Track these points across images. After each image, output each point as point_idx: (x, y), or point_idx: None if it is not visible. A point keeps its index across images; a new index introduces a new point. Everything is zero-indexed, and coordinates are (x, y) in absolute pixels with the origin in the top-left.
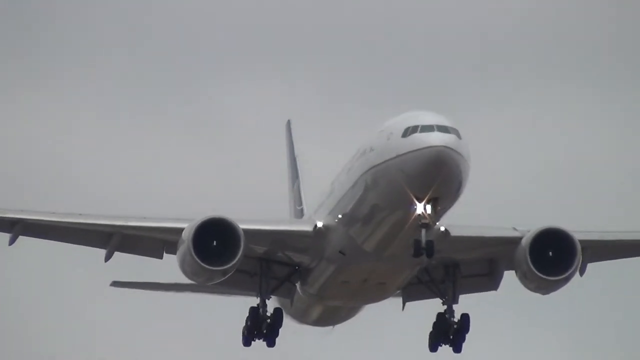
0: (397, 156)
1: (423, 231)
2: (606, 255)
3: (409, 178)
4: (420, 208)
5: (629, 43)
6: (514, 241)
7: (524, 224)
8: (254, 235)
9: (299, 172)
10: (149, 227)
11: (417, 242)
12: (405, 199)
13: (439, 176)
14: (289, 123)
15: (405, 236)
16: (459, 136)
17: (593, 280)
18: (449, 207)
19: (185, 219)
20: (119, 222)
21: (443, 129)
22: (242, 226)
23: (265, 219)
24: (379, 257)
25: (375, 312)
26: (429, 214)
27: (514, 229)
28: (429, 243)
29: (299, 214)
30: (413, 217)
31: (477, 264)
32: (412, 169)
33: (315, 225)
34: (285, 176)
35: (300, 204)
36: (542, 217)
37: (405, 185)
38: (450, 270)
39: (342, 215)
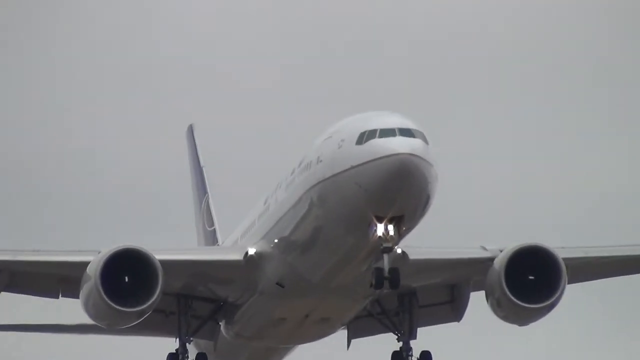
0: (352, 167)
1: (385, 257)
2: (589, 275)
3: (367, 194)
4: (380, 229)
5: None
6: (484, 263)
7: (492, 242)
8: (173, 267)
9: (207, 186)
10: (45, 262)
11: (379, 270)
12: (362, 219)
13: (405, 190)
14: (191, 128)
15: (361, 263)
16: (425, 141)
17: (571, 304)
18: (414, 227)
19: (88, 251)
20: (5, 256)
21: (406, 132)
22: (159, 257)
23: (183, 248)
24: (326, 288)
25: (313, 352)
26: (391, 236)
27: (483, 248)
28: (394, 271)
29: (211, 236)
30: (372, 240)
31: (437, 291)
32: (371, 182)
33: (246, 253)
34: (190, 191)
35: (212, 224)
36: (510, 235)
37: (362, 203)
38: (405, 300)
39: (281, 240)
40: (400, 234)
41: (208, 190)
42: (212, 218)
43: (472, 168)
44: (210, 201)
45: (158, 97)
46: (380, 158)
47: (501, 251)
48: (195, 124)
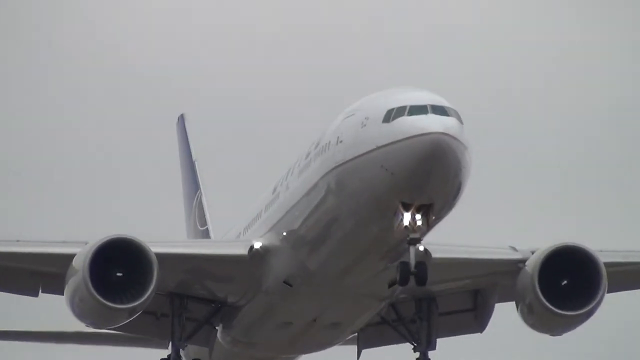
0: (377, 148)
1: (412, 250)
2: (629, 283)
3: (394, 177)
4: (407, 218)
5: None
6: (514, 265)
7: (522, 243)
8: (167, 262)
9: (200, 181)
10: (26, 255)
11: (404, 265)
12: (387, 207)
13: (437, 174)
14: (182, 117)
15: (381, 259)
16: (460, 120)
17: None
18: (443, 217)
19: (73, 242)
20: None
21: (440, 110)
22: (155, 250)
23: (179, 240)
24: (340, 288)
25: None
26: (419, 226)
27: (513, 249)
28: (421, 266)
29: (203, 237)
30: (397, 231)
31: (459, 297)
32: (399, 164)
33: (252, 247)
34: (180, 188)
35: (205, 223)
36: (539, 236)
37: (388, 188)
38: (424, 306)
39: (291, 232)
40: (428, 225)
41: (201, 186)
42: (204, 217)
43: (499, 159)
44: (203, 199)
45: (149, 87)
46: (411, 137)
47: (533, 253)
48: (186, 114)
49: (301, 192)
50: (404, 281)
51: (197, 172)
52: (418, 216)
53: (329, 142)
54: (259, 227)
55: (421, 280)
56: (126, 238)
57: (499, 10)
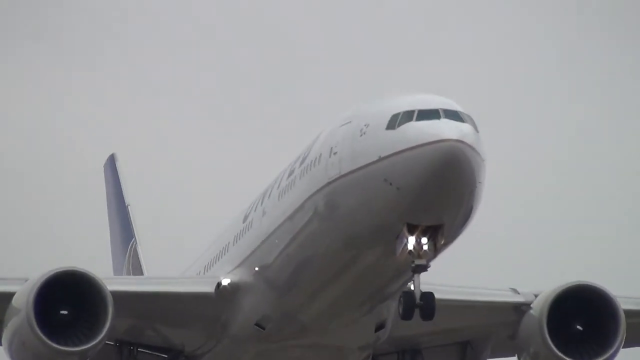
0: (380, 159)
1: (417, 278)
2: None
3: (400, 193)
4: (412, 242)
5: None
6: (516, 309)
7: (523, 284)
8: (120, 301)
9: (134, 228)
10: None
11: (408, 296)
12: (389, 229)
13: (451, 189)
14: (112, 158)
15: (375, 293)
16: (475, 127)
17: None
18: (450, 243)
19: (10, 279)
20: None
21: (453, 114)
22: (111, 287)
23: (131, 277)
24: (320, 332)
25: None
26: (425, 251)
27: (514, 290)
28: (427, 297)
29: None
30: (399, 257)
31: (447, 350)
32: (406, 178)
33: (219, 284)
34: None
35: (141, 273)
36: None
37: (392, 206)
38: (407, 359)
39: (267, 265)
40: (436, 249)
41: (135, 234)
42: (140, 268)
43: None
44: (139, 248)
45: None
46: (421, 146)
47: (536, 296)
48: (117, 154)
49: (282, 216)
50: (407, 314)
51: (131, 217)
52: (424, 240)
53: (320, 155)
54: (227, 261)
55: (428, 313)
56: (76, 271)
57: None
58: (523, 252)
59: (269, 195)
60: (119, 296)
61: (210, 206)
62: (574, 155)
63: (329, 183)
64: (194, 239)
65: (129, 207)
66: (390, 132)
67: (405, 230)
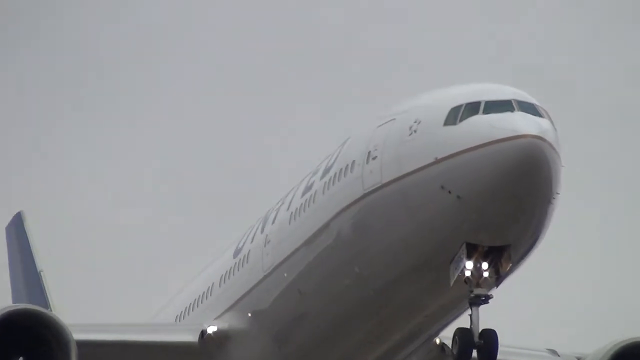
0: (437, 162)
1: (476, 312)
2: None
3: (461, 205)
4: (470, 266)
5: None
6: None
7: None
8: (90, 351)
9: (49, 299)
10: None
11: (465, 334)
12: (443, 251)
13: (526, 198)
14: (19, 217)
15: (416, 332)
16: (554, 125)
17: None
18: (515, 269)
19: None
20: None
21: (529, 107)
22: (77, 336)
23: (98, 324)
24: None
25: None
26: (485, 279)
27: (552, 352)
28: (489, 335)
29: None
30: (455, 287)
31: None
32: (470, 184)
33: (203, 332)
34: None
35: None
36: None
37: (451, 220)
38: None
39: (267, 308)
40: (498, 277)
41: (50, 304)
42: None
43: None
44: None
45: None
46: (491, 143)
47: (579, 359)
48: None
49: (296, 243)
50: (463, 356)
51: (45, 285)
52: (485, 264)
53: (352, 162)
54: (212, 305)
55: (489, 355)
56: (34, 310)
57: None
58: (553, 310)
59: (274, 219)
60: (84, 345)
61: (138, 271)
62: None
63: (366, 195)
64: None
65: (41, 273)
66: (450, 128)
67: (463, 252)
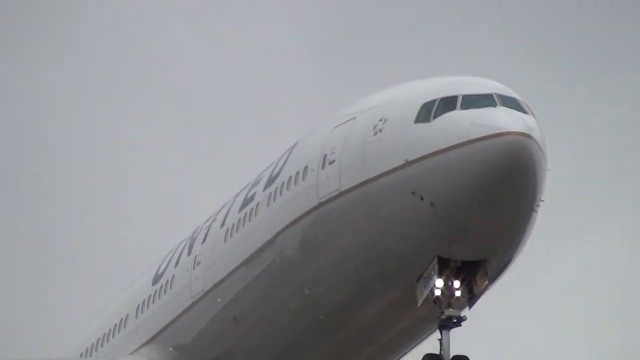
0: (407, 164)
1: (446, 336)
2: None
3: (435, 212)
4: (440, 285)
5: None
6: None
7: None
8: None
9: None
10: None
11: None
12: (410, 267)
13: (509, 204)
14: None
15: None
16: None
17: None
18: (490, 286)
19: None
20: None
21: (512, 102)
22: None
23: None
24: None
25: None
26: (458, 298)
27: None
28: None
29: None
30: (423, 307)
31: None
32: (446, 189)
33: None
34: None
35: None
36: None
37: (422, 231)
38: None
39: (195, 339)
40: (472, 296)
41: None
42: None
43: None
44: None
45: None
46: (471, 142)
47: None
48: None
49: (233, 262)
50: None
51: None
52: (457, 282)
53: (304, 167)
54: (127, 338)
55: None
56: None
57: None
58: (532, 334)
59: (204, 239)
60: None
61: None
62: None
63: (322, 204)
64: None
65: None
66: (422, 126)
67: (433, 267)
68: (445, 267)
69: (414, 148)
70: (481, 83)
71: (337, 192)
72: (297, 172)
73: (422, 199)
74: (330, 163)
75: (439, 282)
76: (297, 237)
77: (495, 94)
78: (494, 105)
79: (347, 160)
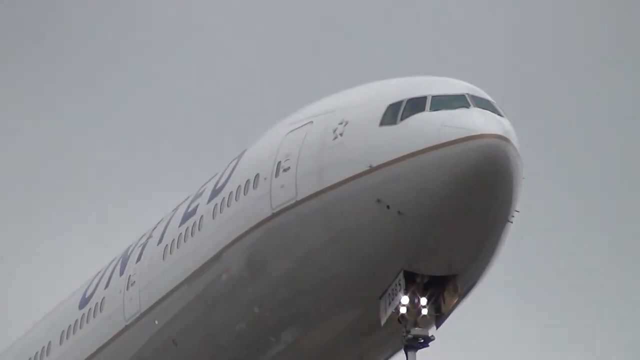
0: (372, 170)
1: (412, 357)
2: None
3: (402, 222)
4: (405, 302)
5: None
6: None
7: None
8: None
9: None
10: None
11: None
12: (374, 282)
13: (483, 214)
14: None
15: None
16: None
17: None
18: (458, 304)
19: None
20: None
21: (485, 104)
22: None
23: None
24: None
25: None
26: (424, 317)
27: None
28: None
29: None
30: (387, 327)
31: None
32: (416, 196)
33: None
34: None
35: None
36: None
37: (388, 243)
38: None
39: None
40: (440, 314)
41: None
42: None
43: None
44: None
45: None
46: (443, 145)
47: None
48: None
49: (173, 281)
50: None
51: None
52: (424, 299)
53: (255, 176)
54: None
55: None
56: None
57: None
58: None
59: (139, 257)
60: None
61: None
62: None
63: (275, 215)
64: None
65: None
66: (388, 128)
67: (399, 283)
68: (412, 283)
69: (380, 152)
70: (451, 83)
71: (293, 201)
72: (247, 181)
73: (388, 207)
74: (285, 170)
75: (405, 299)
76: (247, 251)
77: (467, 94)
78: (467, 106)
79: (304, 167)
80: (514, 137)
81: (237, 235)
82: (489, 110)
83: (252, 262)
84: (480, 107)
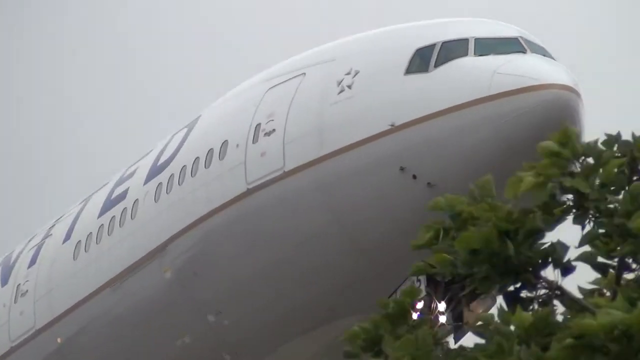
0: (393, 130)
1: None
2: None
3: (433, 195)
4: (421, 305)
5: None
6: None
7: None
8: None
9: None
10: None
11: None
12: (388, 272)
13: None
14: None
15: None
16: None
17: None
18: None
19: None
20: None
21: (541, 50)
22: None
23: None
24: None
25: None
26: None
27: None
28: None
29: None
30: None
31: None
32: (459, 163)
33: None
34: None
35: None
36: None
37: (407, 224)
38: None
39: None
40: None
41: None
42: None
43: None
44: None
45: None
46: (497, 97)
47: None
48: None
49: (91, 285)
50: None
51: None
52: (443, 304)
53: (222, 143)
54: None
55: None
56: None
57: None
58: None
59: (31, 261)
60: None
61: None
62: None
63: (251, 192)
64: None
65: None
66: (418, 77)
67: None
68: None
69: (406, 107)
70: (499, 25)
71: (279, 172)
72: (210, 151)
73: (414, 177)
74: (267, 134)
75: (419, 303)
76: (205, 240)
77: (521, 37)
78: (524, 51)
79: (296, 129)
80: (578, 88)
81: (192, 220)
82: (547, 56)
83: (213, 255)
84: (535, 53)
